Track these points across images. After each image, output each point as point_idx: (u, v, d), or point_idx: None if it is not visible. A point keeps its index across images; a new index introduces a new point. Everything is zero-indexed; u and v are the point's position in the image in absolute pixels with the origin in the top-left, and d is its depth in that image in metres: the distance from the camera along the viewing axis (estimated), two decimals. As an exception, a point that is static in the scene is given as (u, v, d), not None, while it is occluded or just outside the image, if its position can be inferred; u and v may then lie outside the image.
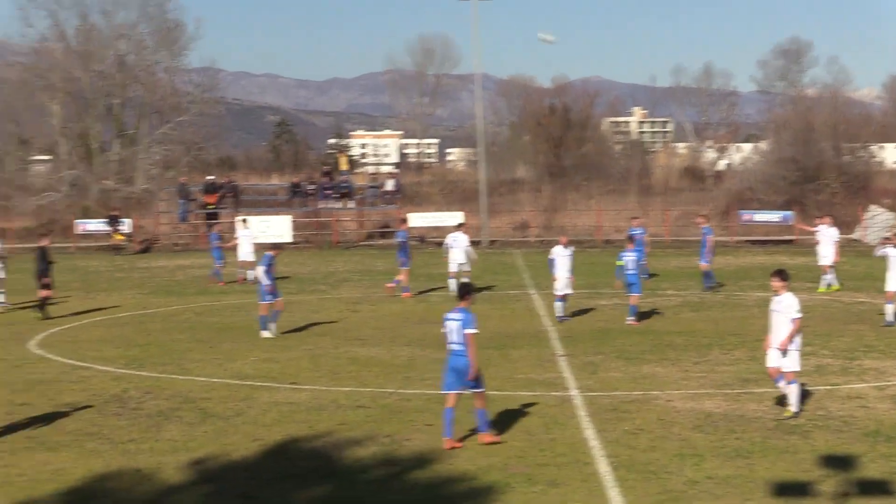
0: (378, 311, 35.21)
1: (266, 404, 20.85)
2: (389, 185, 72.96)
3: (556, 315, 31.85)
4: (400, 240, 39.70)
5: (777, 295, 19.47)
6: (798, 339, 19.37)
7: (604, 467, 16.30)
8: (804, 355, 20.69)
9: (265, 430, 18.77)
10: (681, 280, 43.72)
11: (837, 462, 16.47)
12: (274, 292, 29.86)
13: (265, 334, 29.57)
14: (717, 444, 17.58)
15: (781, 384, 19.37)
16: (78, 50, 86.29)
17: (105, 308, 37.25)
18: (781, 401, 19.73)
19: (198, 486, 15.79)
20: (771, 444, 17.62)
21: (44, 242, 35.55)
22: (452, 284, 38.58)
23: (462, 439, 17.72)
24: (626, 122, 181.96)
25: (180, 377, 23.76)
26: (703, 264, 39.37)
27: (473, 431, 17.99)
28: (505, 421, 19.19)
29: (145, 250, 67.43)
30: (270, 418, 19.70)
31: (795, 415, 19.14)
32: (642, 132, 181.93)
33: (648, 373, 23.84)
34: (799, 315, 19.24)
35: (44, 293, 34.13)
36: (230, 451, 17.52)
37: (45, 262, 34.27)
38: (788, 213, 65.54)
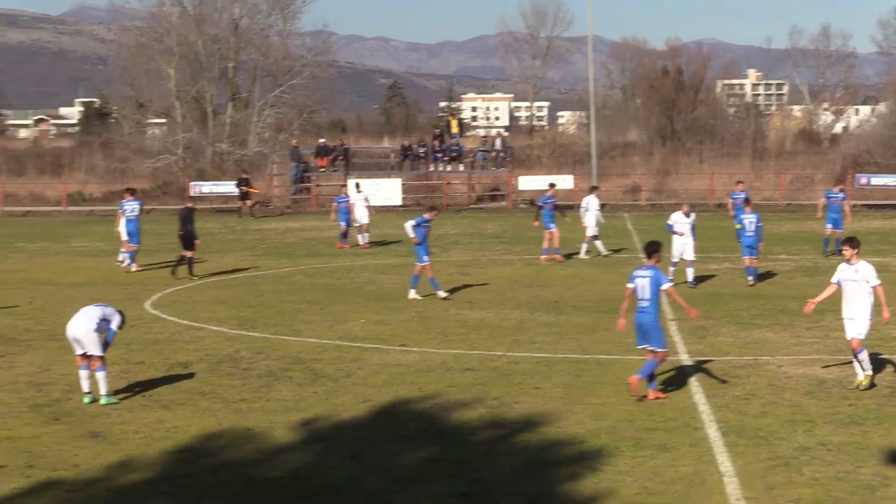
0: (487, 274, 35.23)
1: (375, 366, 20.98)
2: (497, 143, 72.82)
3: (688, 281, 31.50)
4: (544, 204, 39.10)
5: (849, 263, 18.98)
6: (871, 307, 18.93)
7: (713, 432, 16.17)
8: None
9: (374, 392, 18.90)
10: (794, 244, 43.11)
11: (954, 431, 16.17)
12: (427, 253, 29.91)
13: (440, 294, 29.68)
14: (830, 411, 17.33)
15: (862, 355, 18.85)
16: (193, 14, 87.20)
17: (221, 271, 37.76)
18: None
19: (307, 445, 15.96)
20: (886, 411, 17.34)
21: (188, 203, 36.44)
22: (585, 248, 39.35)
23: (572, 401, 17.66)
24: (741, 85, 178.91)
25: (291, 338, 24.01)
26: (837, 230, 37.67)
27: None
28: (614, 385, 19.12)
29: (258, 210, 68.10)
30: (380, 380, 19.83)
31: (872, 383, 18.77)
32: (757, 95, 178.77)
33: (760, 338, 23.56)
34: (879, 282, 18.86)
35: (187, 253, 34.75)
36: (340, 411, 17.67)
37: (189, 224, 34.87)
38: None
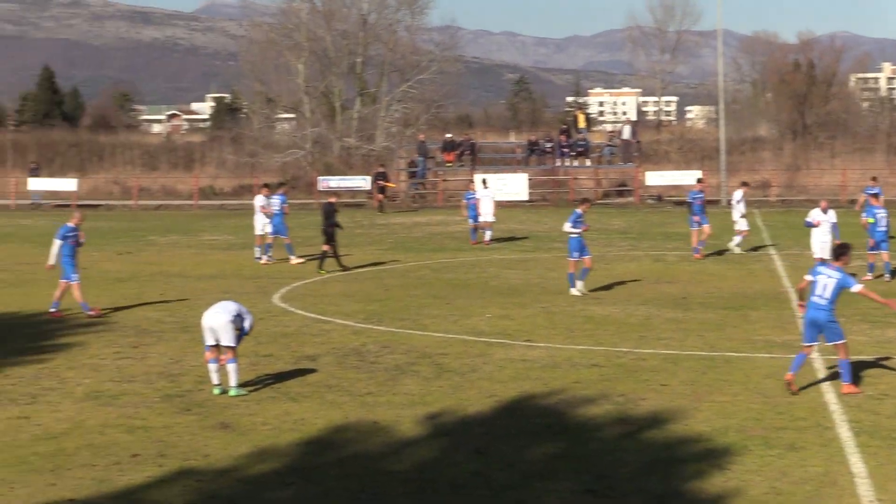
0: (613, 270, 35.01)
1: (501, 361, 21.00)
2: (626, 132, 72.24)
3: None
4: (692, 199, 38.44)
5: None
6: None
7: (845, 432, 15.89)
8: None
9: (500, 387, 18.91)
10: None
11: None
12: (580, 249, 29.67)
13: (573, 292, 29.40)
14: (967, 413, 16.94)
15: None
16: (322, 10, 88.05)
17: (347, 268, 38.09)
18: None
19: (433, 439, 16.02)
20: None
21: (332, 199, 37.00)
22: (736, 241, 38.95)
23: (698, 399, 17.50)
24: (875, 79, 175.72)
25: (417, 332, 24.11)
26: None
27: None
28: (742, 382, 18.91)
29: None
30: (505, 375, 19.84)
31: None
32: (892, 89, 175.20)
33: (894, 337, 23.10)
34: None
35: (327, 247, 35.24)
36: (465, 406, 17.71)
37: (331, 218, 35.34)
38: None
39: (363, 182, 71.09)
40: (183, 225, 56.19)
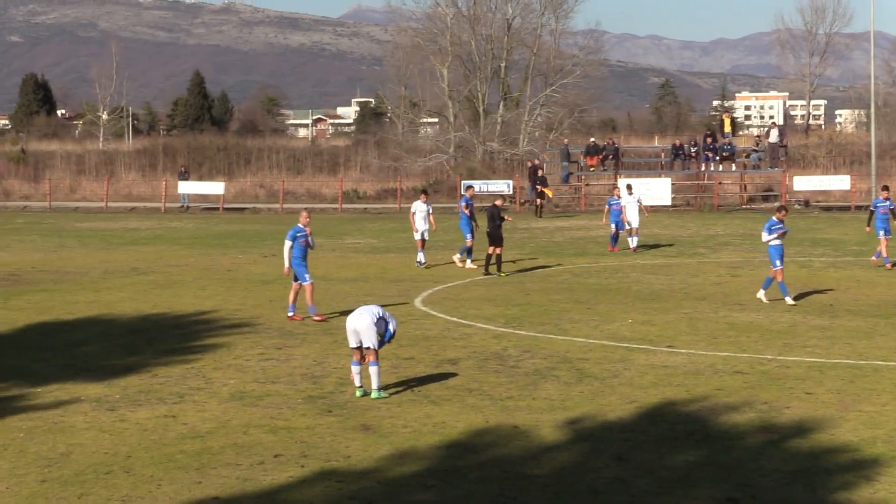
0: (759, 276, 34.47)
1: (642, 366, 20.84)
2: (773, 136, 71.26)
3: None
4: (880, 208, 36.69)
5: None
6: None
7: None
8: None
9: (641, 393, 18.77)
10: None
11: None
12: (782, 257, 28.97)
13: (788, 301, 28.52)
14: None
15: None
16: (467, 14, 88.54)
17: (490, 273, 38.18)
18: None
19: (573, 444, 15.95)
20: None
21: (498, 202, 37.18)
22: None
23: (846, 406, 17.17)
24: None
25: (558, 337, 24.04)
26: None
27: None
28: (892, 392, 18.51)
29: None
30: (647, 381, 19.68)
31: None
32: None
33: None
34: None
35: (495, 249, 35.50)
36: (606, 411, 17.61)
37: (496, 221, 35.57)
38: None
39: (505, 186, 71.15)
40: (327, 228, 56.84)
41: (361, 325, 18.53)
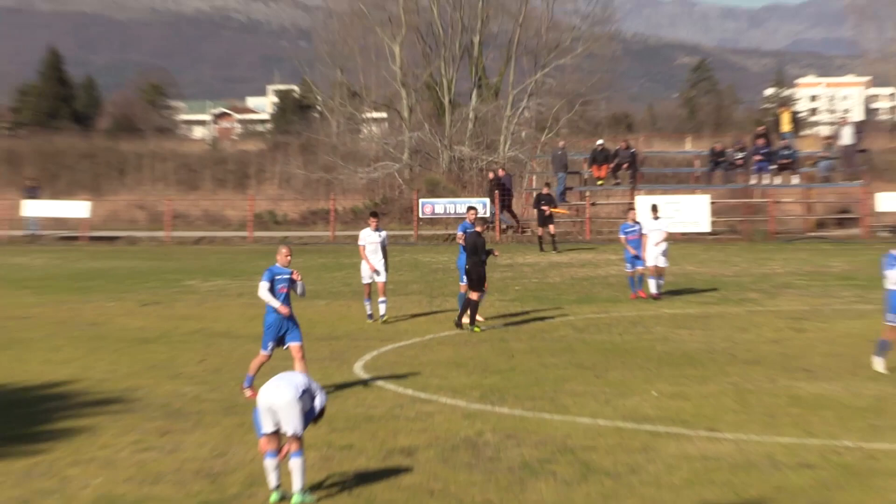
0: (832, 331, 34.67)
1: (673, 458, 20.83)
2: (847, 135, 71.83)
3: None
4: None
5: None
6: None
7: None
8: None
9: (672, 495, 18.76)
10: None
11: None
12: None
13: (877, 364, 28.52)
14: None
15: None
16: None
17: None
18: None
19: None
20: None
21: (478, 228, 37.47)
22: None
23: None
24: None
25: (554, 416, 24.06)
26: None
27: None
28: None
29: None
30: (679, 478, 19.66)
31: None
32: None
33: None
34: None
35: (473, 294, 35.65)
36: (621, 522, 17.57)
37: (480, 254, 35.77)
38: None
39: (480, 207, 71.25)
40: (233, 265, 56.84)
41: (280, 401, 18.39)
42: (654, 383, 27.31)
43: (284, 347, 26.56)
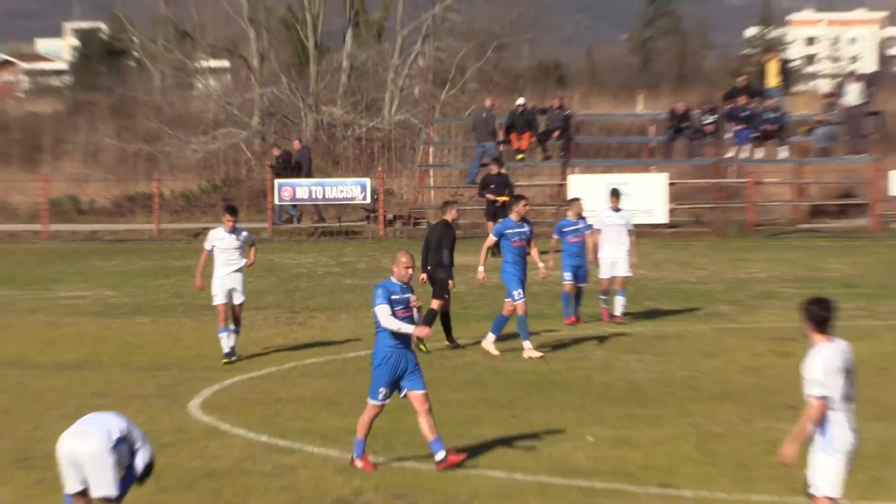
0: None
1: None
2: (852, 92, 72.49)
3: None
4: None
5: None
6: None
7: None
8: None
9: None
10: None
11: None
12: None
13: None
14: None
15: None
16: None
17: (325, 342, 38.56)
18: None
19: None
20: None
21: (449, 215, 37.86)
22: None
23: None
24: None
25: (457, 470, 24.37)
26: None
27: None
28: None
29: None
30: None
31: None
32: None
33: None
34: None
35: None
36: None
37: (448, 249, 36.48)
38: None
39: (358, 190, 71.77)
40: (23, 270, 56.81)
41: (85, 452, 18.63)
42: (591, 426, 27.75)
43: (402, 395, 25.40)
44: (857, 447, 18.71)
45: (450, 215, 37.22)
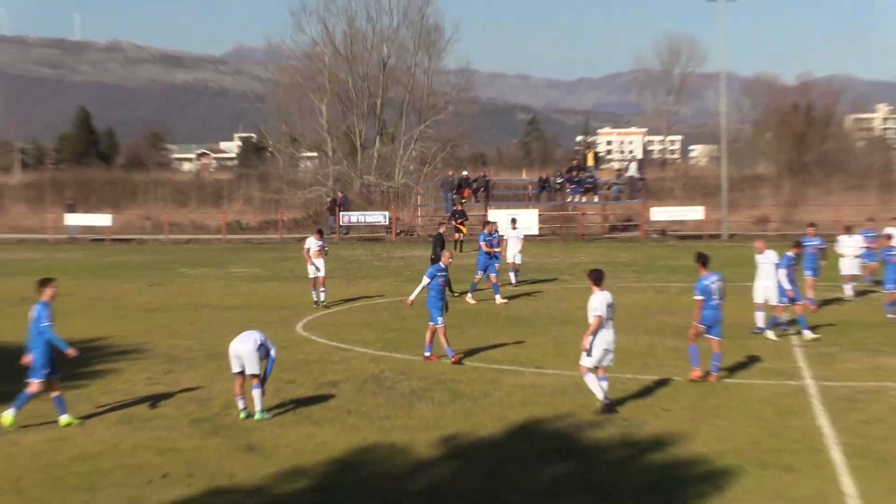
0: (620, 301, 34.69)
1: (511, 387, 21.08)
2: (632, 169, 72.62)
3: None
4: (808, 247, 32.54)
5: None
6: None
7: (837, 455, 15.96)
8: None
9: (511, 411, 18.99)
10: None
11: None
12: (794, 295, 26.92)
13: (808, 335, 26.49)
14: (953, 437, 16.99)
15: None
16: (344, 54, 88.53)
17: (367, 296, 38.22)
18: None
19: (447, 461, 16.10)
20: None
21: (441, 230, 37.43)
22: (847, 289, 35.73)
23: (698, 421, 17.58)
24: (870, 119, 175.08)
25: (436, 363, 24.13)
26: None
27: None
28: (740, 408, 18.99)
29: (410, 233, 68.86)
30: (515, 400, 19.91)
31: None
32: (886, 129, 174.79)
33: (884, 364, 23.15)
34: None
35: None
36: (478, 429, 17.82)
37: (438, 247, 35.23)
38: None
39: (381, 218, 71.46)
40: (212, 258, 56.45)
41: (243, 350, 18.53)
42: (501, 337, 27.47)
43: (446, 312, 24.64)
44: (613, 343, 19.25)
45: (441, 229, 37.24)
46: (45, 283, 19.11)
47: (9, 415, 18.26)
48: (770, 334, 27.07)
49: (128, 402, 19.95)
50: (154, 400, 20.19)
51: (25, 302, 36.40)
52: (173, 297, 38.01)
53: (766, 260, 28.40)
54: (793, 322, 27.65)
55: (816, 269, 32.89)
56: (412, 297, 24.98)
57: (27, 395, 18.30)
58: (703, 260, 21.52)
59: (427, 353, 24.36)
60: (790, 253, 27.69)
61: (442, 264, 24.83)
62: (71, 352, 18.49)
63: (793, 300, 27.06)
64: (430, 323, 24.39)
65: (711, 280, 21.40)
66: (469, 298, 35.54)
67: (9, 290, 40.02)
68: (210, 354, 24.83)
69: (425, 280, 24.43)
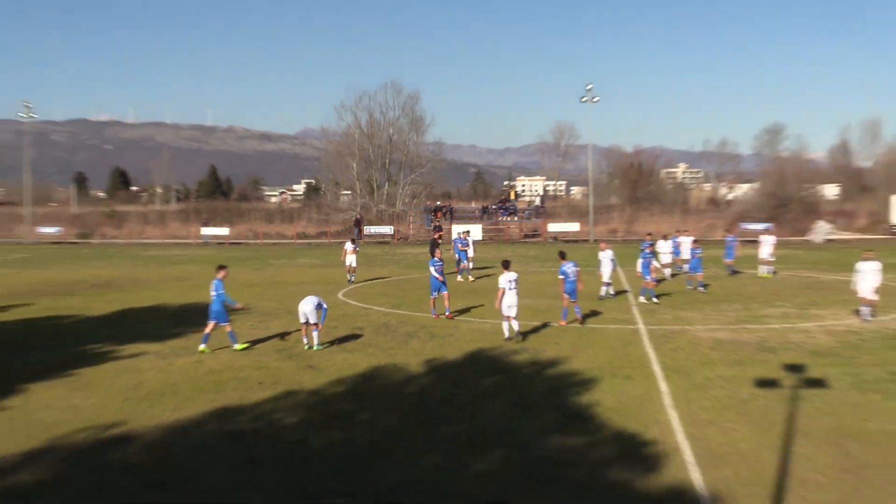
0: (529, 279, 34.46)
1: (467, 330, 20.90)
2: (537, 201, 72.57)
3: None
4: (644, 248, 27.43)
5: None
6: None
7: (657, 369, 16.04)
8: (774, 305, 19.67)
9: (466, 345, 18.81)
10: (709, 268, 42.09)
11: (794, 368, 15.88)
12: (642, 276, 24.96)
13: (642, 299, 24.57)
14: (724, 357, 17.11)
15: None
16: (367, 133, 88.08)
17: (381, 277, 37.99)
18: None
19: (428, 375, 16.09)
20: (756, 357, 17.07)
21: (436, 235, 36.07)
22: (666, 273, 32.98)
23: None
24: (675, 172, 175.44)
25: (420, 314, 23.94)
26: (729, 260, 34.97)
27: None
28: (600, 342, 19.01)
29: (404, 239, 68.40)
30: (469, 338, 19.81)
31: None
32: (684, 178, 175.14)
33: (685, 316, 23.21)
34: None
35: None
36: (447, 356, 17.75)
37: (434, 249, 33.72)
38: (769, 224, 62.69)
39: (388, 230, 70.98)
40: (287, 254, 56.10)
41: (307, 308, 18.45)
42: (461, 301, 26.86)
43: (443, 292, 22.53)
44: (515, 303, 18.84)
45: (435, 235, 36.59)
46: (220, 267, 18.88)
47: (203, 346, 18.18)
48: (641, 299, 25.98)
49: (239, 340, 19.72)
50: (255, 339, 20.02)
51: (178, 280, 36.18)
52: (266, 276, 37.67)
53: (605, 256, 27.56)
54: (647, 292, 26.87)
55: (649, 262, 32.10)
56: (436, 275, 22.66)
57: (208, 335, 18.09)
58: (562, 254, 21.52)
59: (437, 314, 22.63)
60: (647, 250, 27.10)
61: (436, 258, 23.91)
62: (239, 305, 18.46)
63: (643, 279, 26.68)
64: (435, 294, 22.84)
65: (568, 266, 21.28)
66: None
67: (168, 274, 39.69)
68: (287, 311, 24.59)
69: (430, 268, 23.29)
